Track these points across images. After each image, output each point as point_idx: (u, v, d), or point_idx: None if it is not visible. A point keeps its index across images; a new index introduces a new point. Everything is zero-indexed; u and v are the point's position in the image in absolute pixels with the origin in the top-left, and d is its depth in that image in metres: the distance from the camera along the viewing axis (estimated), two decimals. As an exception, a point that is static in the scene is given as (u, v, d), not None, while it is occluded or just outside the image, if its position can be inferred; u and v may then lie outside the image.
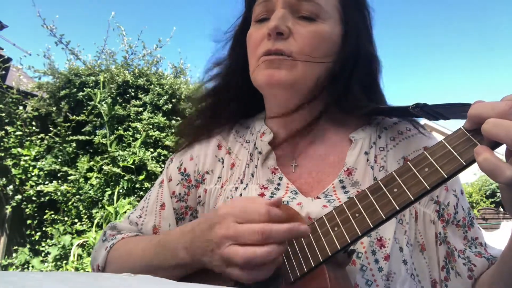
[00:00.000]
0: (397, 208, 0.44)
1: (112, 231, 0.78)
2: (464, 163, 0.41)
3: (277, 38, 0.63)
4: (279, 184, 0.69)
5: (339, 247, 0.47)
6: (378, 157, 0.68)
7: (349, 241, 0.46)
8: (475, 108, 0.42)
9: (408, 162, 0.45)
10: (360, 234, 0.45)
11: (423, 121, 0.71)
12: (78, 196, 4.10)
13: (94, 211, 4.05)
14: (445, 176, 0.42)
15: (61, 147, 4.32)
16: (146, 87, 4.63)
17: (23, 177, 4.21)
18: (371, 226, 0.45)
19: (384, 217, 0.44)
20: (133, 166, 4.04)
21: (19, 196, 4.23)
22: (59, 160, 4.29)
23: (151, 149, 4.33)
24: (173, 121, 4.52)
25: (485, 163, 0.39)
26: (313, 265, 0.48)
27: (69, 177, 4.14)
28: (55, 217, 4.21)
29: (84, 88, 4.42)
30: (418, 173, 0.44)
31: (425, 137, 0.69)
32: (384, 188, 0.46)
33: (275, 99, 0.71)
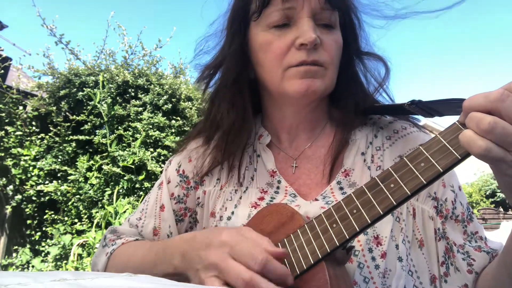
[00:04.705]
0: (394, 203, 0.44)
1: (112, 235, 0.78)
2: (459, 156, 0.42)
3: (311, 49, 0.63)
4: (278, 188, 0.69)
5: (337, 244, 0.47)
6: (375, 157, 0.68)
7: (347, 237, 0.46)
8: (469, 100, 0.42)
9: (404, 158, 0.45)
10: (358, 230, 0.46)
11: (422, 121, 0.72)
12: (78, 196, 4.10)
13: (94, 211, 4.05)
14: (441, 170, 0.42)
15: (61, 147, 4.32)
16: (146, 87, 4.63)
17: (23, 177, 4.21)
18: (369, 222, 0.45)
19: (381, 213, 0.44)
20: (133, 166, 4.04)
21: (19, 196, 4.23)
22: (59, 160, 4.29)
23: (151, 149, 4.33)
24: (173, 121, 4.53)
25: (462, 137, 0.40)
26: (312, 262, 0.48)
27: (69, 177, 4.14)
28: (55, 217, 4.21)
29: (84, 88, 4.42)
30: (414, 168, 0.44)
31: (421, 134, 0.70)
32: (381, 184, 0.46)
33: (293, 106, 0.71)
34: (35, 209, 4.29)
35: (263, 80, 0.70)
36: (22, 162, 4.17)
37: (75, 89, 4.46)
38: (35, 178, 4.21)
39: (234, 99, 0.72)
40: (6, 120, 4.27)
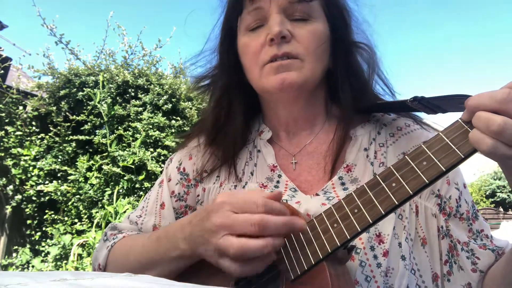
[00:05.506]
0: (396, 203, 0.43)
1: (113, 231, 0.78)
2: (462, 155, 0.41)
3: (281, 43, 0.63)
4: (278, 182, 0.69)
5: (338, 244, 0.47)
6: (378, 153, 0.68)
7: (348, 237, 0.46)
8: (473, 99, 0.42)
9: (406, 156, 0.45)
10: (359, 230, 0.45)
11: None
12: (78, 196, 4.09)
13: (94, 211, 4.04)
14: (444, 169, 0.41)
15: (61, 147, 4.32)
16: (145, 87, 4.62)
17: (23, 177, 4.20)
18: (371, 221, 0.45)
19: (383, 213, 0.44)
20: (133, 166, 4.04)
21: (19, 196, 4.22)
22: (59, 160, 4.29)
23: (151, 149, 4.32)
24: (173, 121, 4.52)
25: (472, 135, 0.41)
26: (313, 262, 0.48)
27: (69, 177, 4.14)
28: (55, 217, 4.20)
29: (84, 88, 4.41)
30: (416, 167, 0.43)
31: (425, 132, 0.70)
32: (382, 183, 0.45)
33: (281, 102, 0.71)
34: (35, 209, 4.28)
35: (250, 82, 0.72)
36: (22, 162, 4.16)
37: (75, 89, 4.46)
38: (35, 178, 4.20)
39: (221, 98, 0.76)
40: (6, 120, 4.26)
